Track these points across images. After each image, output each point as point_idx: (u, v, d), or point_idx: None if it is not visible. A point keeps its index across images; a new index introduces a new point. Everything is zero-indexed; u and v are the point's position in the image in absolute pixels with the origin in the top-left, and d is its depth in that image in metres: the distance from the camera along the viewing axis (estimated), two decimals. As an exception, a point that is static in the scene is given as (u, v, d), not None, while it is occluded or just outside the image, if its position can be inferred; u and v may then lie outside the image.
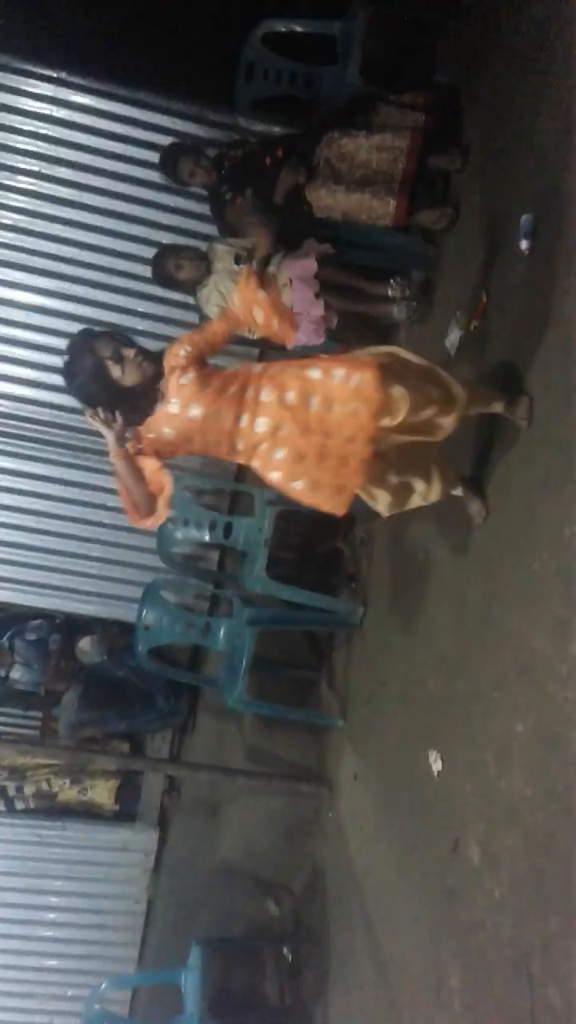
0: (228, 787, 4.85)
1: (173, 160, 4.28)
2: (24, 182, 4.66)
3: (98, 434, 2.76)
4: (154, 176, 4.56)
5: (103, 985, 4.12)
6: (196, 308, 4.29)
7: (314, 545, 4.65)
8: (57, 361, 2.83)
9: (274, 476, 2.77)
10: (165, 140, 4.54)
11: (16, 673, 5.79)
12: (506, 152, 3.55)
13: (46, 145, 4.64)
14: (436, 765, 3.10)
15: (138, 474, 2.80)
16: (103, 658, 5.62)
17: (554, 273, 2.93)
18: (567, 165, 2.99)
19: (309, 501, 2.78)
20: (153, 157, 4.50)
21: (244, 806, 4.91)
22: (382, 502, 2.90)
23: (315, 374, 2.70)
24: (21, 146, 4.63)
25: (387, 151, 3.91)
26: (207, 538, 4.77)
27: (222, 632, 4.57)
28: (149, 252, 4.42)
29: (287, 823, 4.44)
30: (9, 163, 4.63)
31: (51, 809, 5.84)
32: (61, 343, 2.86)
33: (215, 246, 4.14)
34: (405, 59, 4.40)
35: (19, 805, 5.78)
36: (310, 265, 3.91)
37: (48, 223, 4.71)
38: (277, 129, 4.61)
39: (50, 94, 4.59)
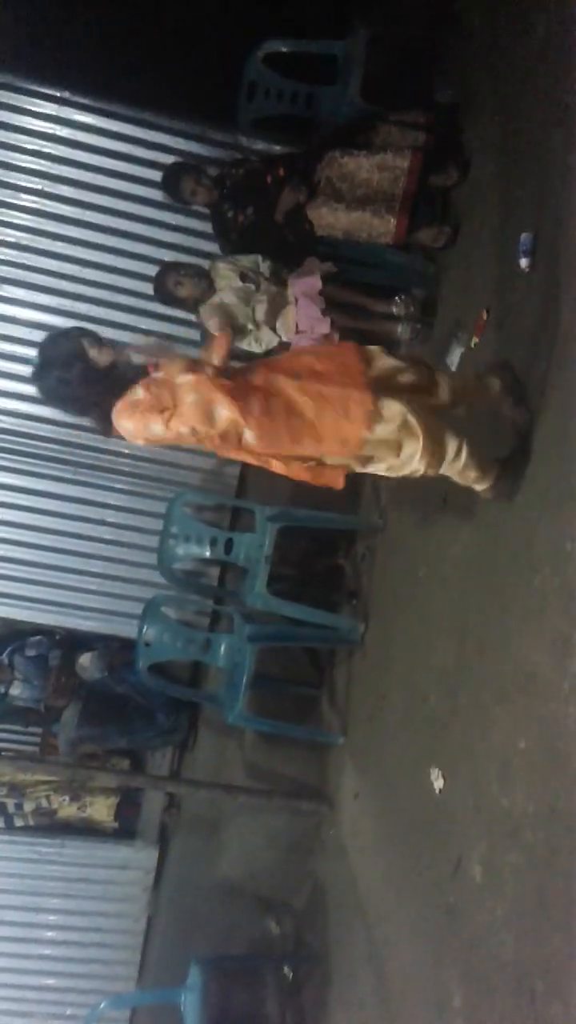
0: (228, 804, 4.83)
1: (175, 179, 4.32)
2: (27, 200, 4.69)
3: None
4: (156, 194, 4.59)
5: (102, 1004, 4.10)
6: (197, 325, 4.32)
7: (315, 561, 4.65)
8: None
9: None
10: (167, 159, 4.57)
11: (16, 689, 5.77)
12: (506, 170, 3.57)
13: (49, 163, 4.67)
14: (438, 782, 3.09)
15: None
16: (103, 674, 5.60)
17: (554, 291, 2.94)
18: (567, 183, 3.01)
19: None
20: (155, 176, 4.53)
21: (244, 823, 4.89)
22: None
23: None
24: (24, 164, 4.65)
25: (388, 170, 3.94)
26: (208, 554, 4.78)
27: (223, 648, 4.56)
28: (151, 270, 4.44)
29: (288, 841, 4.42)
30: (12, 181, 4.66)
31: (51, 826, 5.82)
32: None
33: (217, 264, 4.16)
34: (405, 79, 4.45)
35: (18, 822, 5.76)
36: (315, 283, 3.94)
37: (50, 241, 4.74)
38: (278, 148, 4.65)
39: (53, 113, 4.62)
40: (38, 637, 5.73)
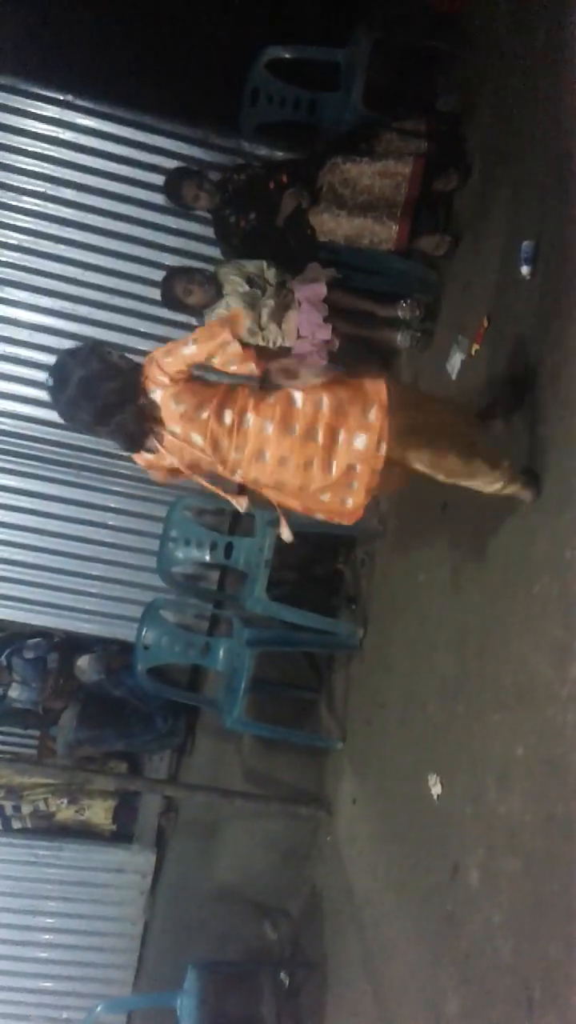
0: (226, 809, 4.82)
1: (177, 184, 4.33)
2: (29, 203, 4.69)
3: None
4: (158, 198, 4.59)
5: (98, 1008, 4.10)
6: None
7: (315, 566, 4.66)
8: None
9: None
10: (170, 163, 4.58)
11: (14, 692, 5.76)
12: (507, 178, 3.58)
13: (52, 167, 4.67)
14: (436, 788, 3.10)
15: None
16: (102, 677, 5.59)
17: (555, 298, 2.95)
18: (567, 191, 3.02)
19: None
20: (158, 180, 4.54)
21: (242, 828, 4.88)
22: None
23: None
24: (27, 167, 4.66)
25: (390, 177, 3.95)
26: (207, 558, 4.78)
27: (221, 652, 4.57)
28: (153, 273, 4.45)
29: (285, 846, 4.42)
30: (15, 184, 4.66)
31: (48, 829, 5.81)
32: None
33: (222, 269, 4.17)
34: (408, 86, 4.46)
35: (16, 825, 5.75)
36: (320, 289, 3.95)
37: (53, 243, 4.74)
38: (280, 154, 4.65)
39: (56, 116, 4.62)
40: (37, 639, 5.72)
